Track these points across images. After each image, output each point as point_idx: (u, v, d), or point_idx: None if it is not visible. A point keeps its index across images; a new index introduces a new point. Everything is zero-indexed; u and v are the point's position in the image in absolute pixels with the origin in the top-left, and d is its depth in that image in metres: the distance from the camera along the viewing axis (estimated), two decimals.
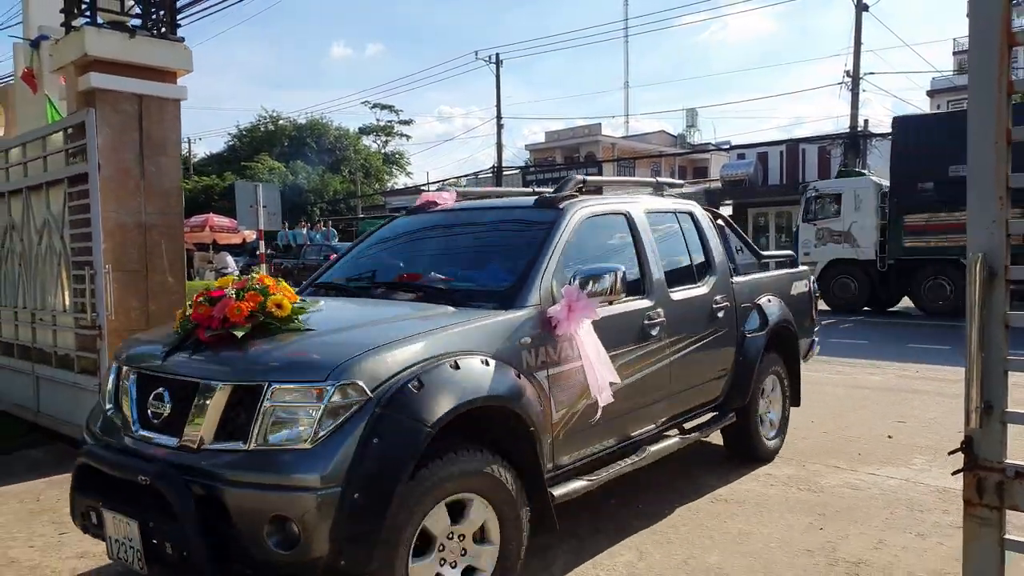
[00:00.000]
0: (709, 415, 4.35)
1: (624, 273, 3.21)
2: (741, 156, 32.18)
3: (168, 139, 5.57)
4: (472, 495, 2.64)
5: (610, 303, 3.32)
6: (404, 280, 3.62)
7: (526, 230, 3.67)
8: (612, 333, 3.36)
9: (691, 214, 4.54)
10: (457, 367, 2.64)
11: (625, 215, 3.94)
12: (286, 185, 33.96)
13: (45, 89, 6.11)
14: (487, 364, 2.75)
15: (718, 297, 4.30)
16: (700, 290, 4.22)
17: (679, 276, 4.14)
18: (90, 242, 5.13)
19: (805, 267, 5.65)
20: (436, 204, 4.28)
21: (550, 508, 2.93)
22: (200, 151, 50.21)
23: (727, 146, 35.83)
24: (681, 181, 6.03)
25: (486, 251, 3.87)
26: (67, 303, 5.42)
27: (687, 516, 3.92)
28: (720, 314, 4.29)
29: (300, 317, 2.83)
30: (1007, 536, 1.62)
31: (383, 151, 49.83)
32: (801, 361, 5.31)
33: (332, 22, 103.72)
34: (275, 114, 46.72)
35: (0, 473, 4.78)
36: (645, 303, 3.71)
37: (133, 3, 5.47)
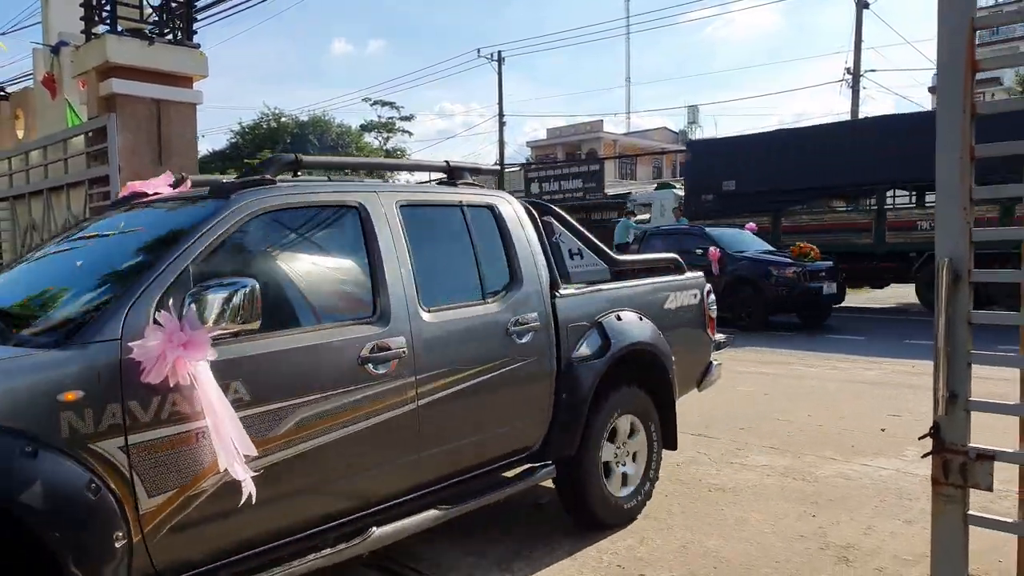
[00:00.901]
0: (518, 469, 3.45)
1: (256, 290, 2.23)
2: None
3: (184, 141, 5.77)
4: None
5: (235, 335, 2.30)
6: None
7: (175, 231, 2.57)
8: (288, 376, 2.46)
9: (491, 209, 3.50)
10: None
11: (357, 208, 2.88)
12: None
13: (65, 93, 6.30)
14: None
15: (521, 317, 3.31)
16: (485, 308, 3.22)
17: (452, 290, 3.21)
18: None
19: (697, 274, 4.62)
20: (144, 195, 3.20)
21: None
22: (203, 148, 50.45)
23: None
24: (493, 168, 4.39)
25: (116, 263, 2.68)
26: None
27: (687, 504, 4.11)
28: (523, 339, 3.29)
29: None
30: (970, 512, 1.80)
31: (384, 148, 50.05)
32: (696, 389, 4.56)
33: (333, 19, 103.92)
34: (277, 111, 46.96)
35: None
36: (370, 331, 2.72)
37: (151, 11, 5.65)
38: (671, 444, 4.14)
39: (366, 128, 49.23)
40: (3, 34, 10.26)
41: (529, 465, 3.47)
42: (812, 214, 15.01)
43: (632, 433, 3.91)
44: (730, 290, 11.34)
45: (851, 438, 5.38)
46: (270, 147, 43.44)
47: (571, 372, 3.49)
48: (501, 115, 32.44)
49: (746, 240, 12.57)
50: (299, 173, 3.22)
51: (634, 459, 3.92)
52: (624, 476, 3.86)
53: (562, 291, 3.59)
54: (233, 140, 47.26)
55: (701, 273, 4.68)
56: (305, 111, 59.97)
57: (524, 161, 39.50)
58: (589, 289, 3.83)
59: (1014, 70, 31.86)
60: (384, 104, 47.99)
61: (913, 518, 3.83)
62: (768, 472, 4.65)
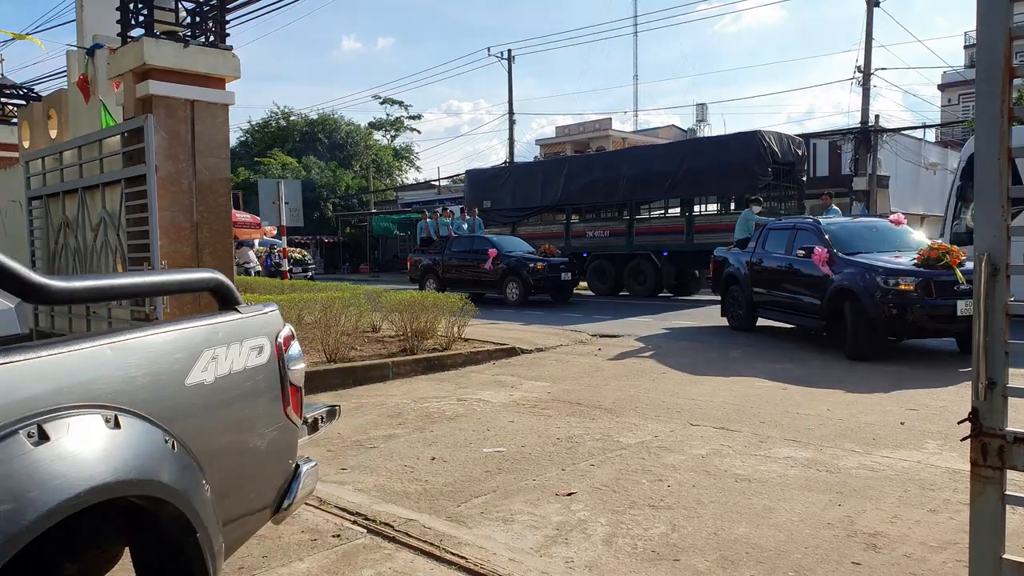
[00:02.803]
0: None
1: None
2: None
3: (217, 141, 5.91)
4: None
5: None
6: None
7: None
8: None
9: None
10: None
11: None
12: (299, 180, 34.40)
13: (99, 95, 6.44)
14: None
15: None
16: None
17: None
18: (146, 239, 5.48)
19: (267, 307, 2.52)
20: None
21: None
22: None
23: None
24: None
25: None
26: None
27: (715, 494, 4.22)
28: None
29: None
30: (1007, 492, 1.91)
31: (392, 145, 50.27)
32: (271, 522, 2.47)
33: (343, 17, 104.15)
34: (287, 109, 47.26)
35: None
36: None
37: (185, 14, 5.79)
38: None
39: (374, 126, 49.44)
40: (29, 33, 10.44)
41: None
42: (531, 226, 20.97)
43: None
44: (832, 305, 8.94)
45: (871, 431, 5.48)
46: (279, 145, 43.72)
47: None
48: (511, 113, 32.55)
49: (876, 237, 9.71)
50: None
51: None
52: None
53: None
54: (243, 139, 47.56)
55: (274, 306, 2.58)
56: (314, 109, 60.21)
57: (533, 159, 39.57)
58: None
59: None
60: (392, 102, 48.21)
61: (937, 507, 3.93)
62: (791, 463, 4.75)
